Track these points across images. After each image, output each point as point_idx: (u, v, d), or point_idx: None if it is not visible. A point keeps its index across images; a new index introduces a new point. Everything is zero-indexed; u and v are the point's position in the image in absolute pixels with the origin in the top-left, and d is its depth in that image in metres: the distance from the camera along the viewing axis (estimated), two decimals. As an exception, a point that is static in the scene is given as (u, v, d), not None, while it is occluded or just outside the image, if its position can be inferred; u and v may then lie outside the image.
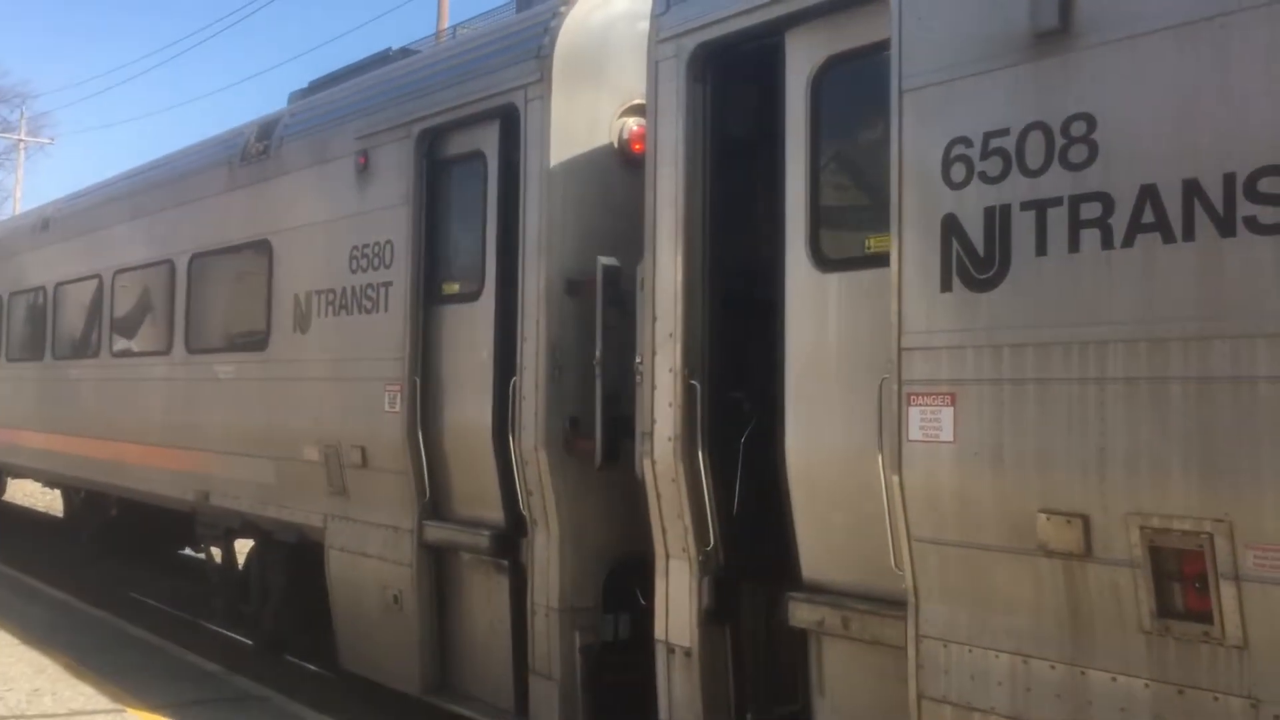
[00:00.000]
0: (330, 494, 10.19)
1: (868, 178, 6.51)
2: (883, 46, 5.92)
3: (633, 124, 8.33)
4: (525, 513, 8.20)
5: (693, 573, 6.92)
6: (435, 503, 9.20)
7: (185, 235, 12.81)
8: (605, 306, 7.72)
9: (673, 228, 6.98)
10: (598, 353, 7.71)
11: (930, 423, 5.56)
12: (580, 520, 8.01)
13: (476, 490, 8.61)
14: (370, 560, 9.73)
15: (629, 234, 8.09)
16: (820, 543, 6.42)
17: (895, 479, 5.72)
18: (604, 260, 7.76)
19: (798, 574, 6.57)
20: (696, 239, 6.95)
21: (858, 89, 6.41)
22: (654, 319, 7.09)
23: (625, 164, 8.29)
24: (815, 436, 6.37)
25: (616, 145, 8.29)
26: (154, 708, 9.68)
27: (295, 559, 11.04)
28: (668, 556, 7.09)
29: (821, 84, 6.45)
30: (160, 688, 10.33)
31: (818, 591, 6.43)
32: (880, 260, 5.94)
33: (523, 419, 8.12)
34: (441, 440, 9.03)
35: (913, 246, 5.69)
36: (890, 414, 5.76)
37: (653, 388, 7.08)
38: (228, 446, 11.70)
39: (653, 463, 7.06)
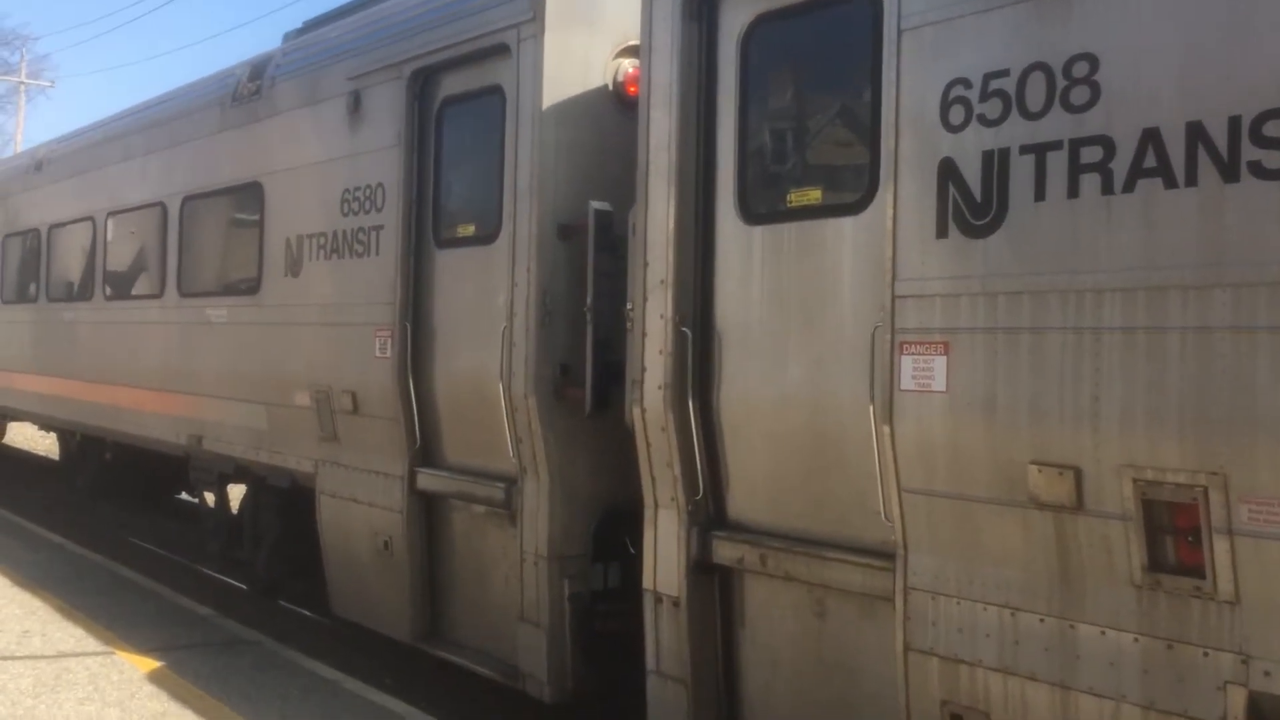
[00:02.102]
0: (321, 440, 10.11)
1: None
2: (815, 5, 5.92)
3: (628, 65, 8.15)
4: (515, 460, 8.11)
5: (681, 522, 6.84)
6: (426, 450, 9.11)
7: (177, 177, 12.65)
8: (597, 252, 7.59)
9: (665, 172, 6.83)
10: (589, 299, 7.59)
11: (923, 372, 5.45)
12: (569, 468, 7.93)
13: (481, 439, 8.50)
14: (360, 506, 9.66)
15: (623, 178, 7.94)
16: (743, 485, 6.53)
17: (886, 429, 5.62)
18: (596, 204, 7.62)
19: (724, 514, 6.68)
20: (689, 184, 6.80)
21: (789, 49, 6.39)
22: (645, 265, 6.96)
23: (620, 107, 8.13)
24: (741, 385, 6.51)
25: (611, 87, 8.12)
26: (144, 650, 9.67)
27: (287, 504, 10.98)
28: (656, 506, 7.00)
29: (750, 42, 6.43)
30: (151, 631, 10.32)
31: (740, 530, 6.58)
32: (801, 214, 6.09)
33: (513, 366, 8.01)
34: (436, 387, 8.92)
35: (907, 191, 5.55)
36: (882, 363, 5.65)
37: (643, 335, 6.96)
38: (220, 391, 11.62)
39: (642, 411, 6.96)
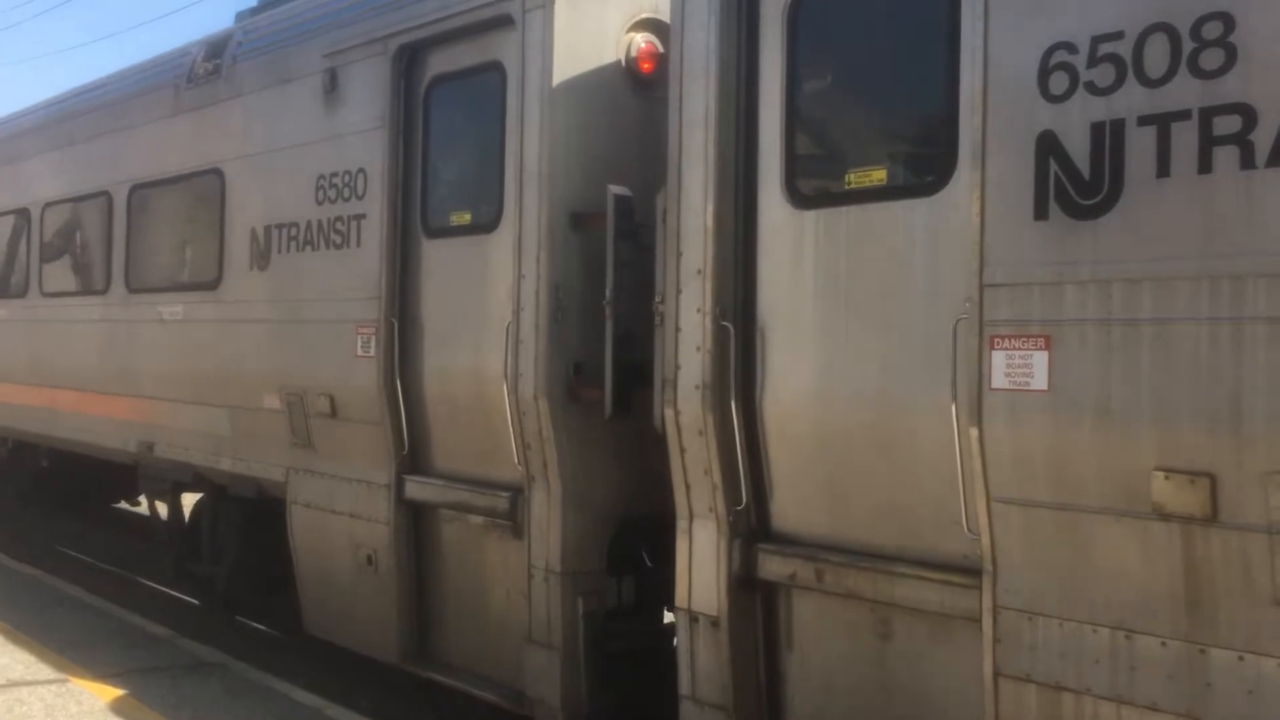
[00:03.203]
0: (293, 445, 9.37)
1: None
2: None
3: (641, 40, 7.55)
4: (521, 468, 7.46)
5: (721, 534, 6.25)
6: (415, 457, 8.43)
7: (124, 165, 11.77)
8: (616, 241, 6.97)
9: (702, 151, 6.24)
10: (608, 292, 6.97)
11: (1019, 369, 4.92)
12: (584, 476, 7.30)
13: (481, 446, 7.84)
14: (340, 518, 8.94)
15: (636, 162, 7.40)
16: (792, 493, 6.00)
17: (973, 432, 5.08)
18: (615, 189, 7.00)
19: (767, 525, 6.16)
20: (728, 165, 6.21)
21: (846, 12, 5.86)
22: (679, 254, 6.36)
23: (633, 84, 7.53)
24: (791, 384, 5.97)
25: (624, 63, 7.51)
26: (101, 676, 8.88)
27: (252, 515, 10.22)
28: (692, 516, 6.41)
29: (800, 6, 5.90)
30: (107, 654, 9.51)
31: (788, 543, 6.06)
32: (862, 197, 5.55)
33: (520, 365, 7.36)
34: (426, 389, 8.24)
35: (997, 169, 5.02)
36: (968, 359, 5.11)
37: (676, 330, 6.37)
38: (175, 394, 10.80)
39: (676, 413, 6.36)
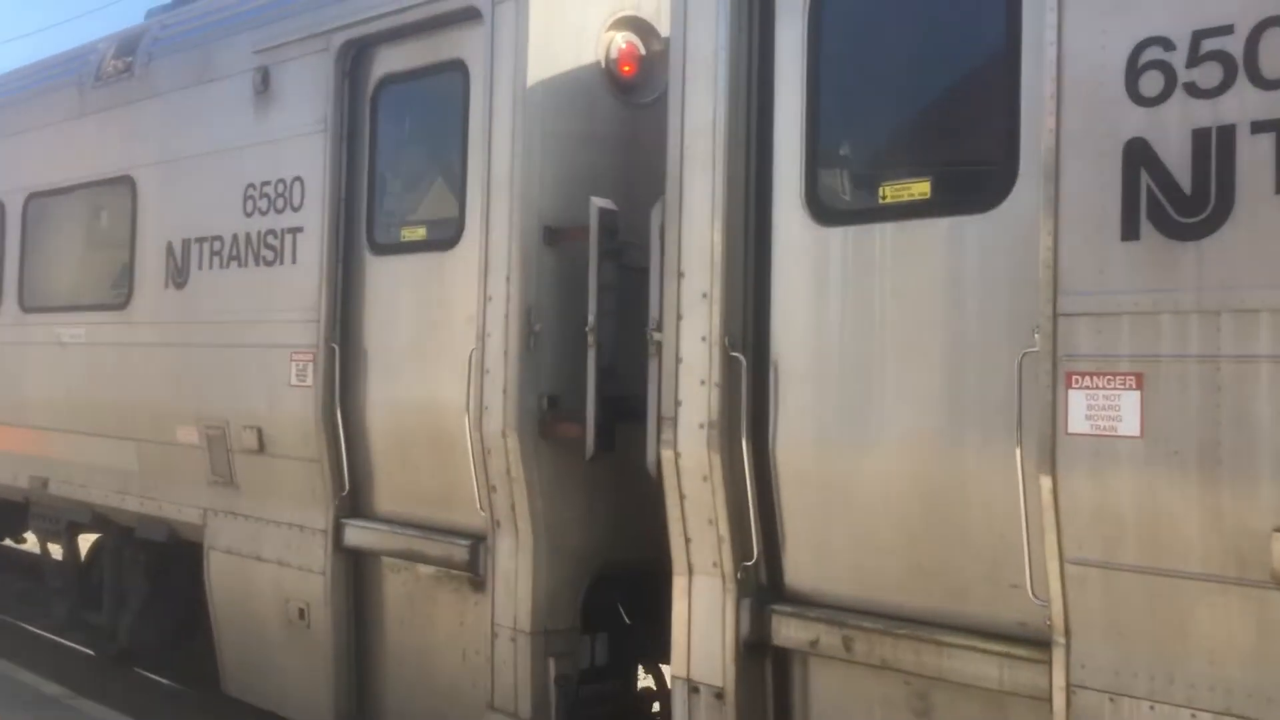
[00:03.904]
0: (213, 484, 8.41)
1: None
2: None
3: (621, 40, 6.83)
4: (485, 513, 6.64)
5: (727, 593, 5.51)
6: (356, 498, 7.54)
7: (19, 171, 10.67)
8: (601, 260, 6.22)
9: (709, 160, 5.53)
10: (590, 317, 6.20)
11: (1104, 411, 4.28)
12: (558, 522, 6.50)
13: (436, 487, 7.00)
14: (266, 566, 8.00)
15: (616, 173, 6.68)
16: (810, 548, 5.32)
17: (1045, 482, 4.42)
18: (599, 202, 6.25)
19: (779, 583, 5.47)
20: (738, 176, 5.51)
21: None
22: (680, 275, 5.64)
23: (613, 88, 6.80)
24: (811, 424, 5.29)
25: (604, 65, 6.77)
26: (-11, 749, 7.79)
27: (162, 561, 9.21)
28: (691, 572, 5.66)
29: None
30: (-7, 721, 8.41)
31: (805, 604, 5.36)
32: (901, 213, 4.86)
33: (486, 397, 6.55)
34: (371, 422, 7.37)
35: (1075, 181, 4.38)
36: (1038, 398, 4.45)
37: (677, 361, 5.63)
38: (74, 425, 9.72)
39: (676, 456, 5.62)
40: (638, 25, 6.86)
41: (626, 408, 6.23)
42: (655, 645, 6.54)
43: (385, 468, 7.39)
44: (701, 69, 5.58)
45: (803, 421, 5.34)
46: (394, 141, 7.56)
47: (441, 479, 6.99)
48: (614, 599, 6.77)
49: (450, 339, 6.88)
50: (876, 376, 5.08)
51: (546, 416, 6.45)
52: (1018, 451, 4.53)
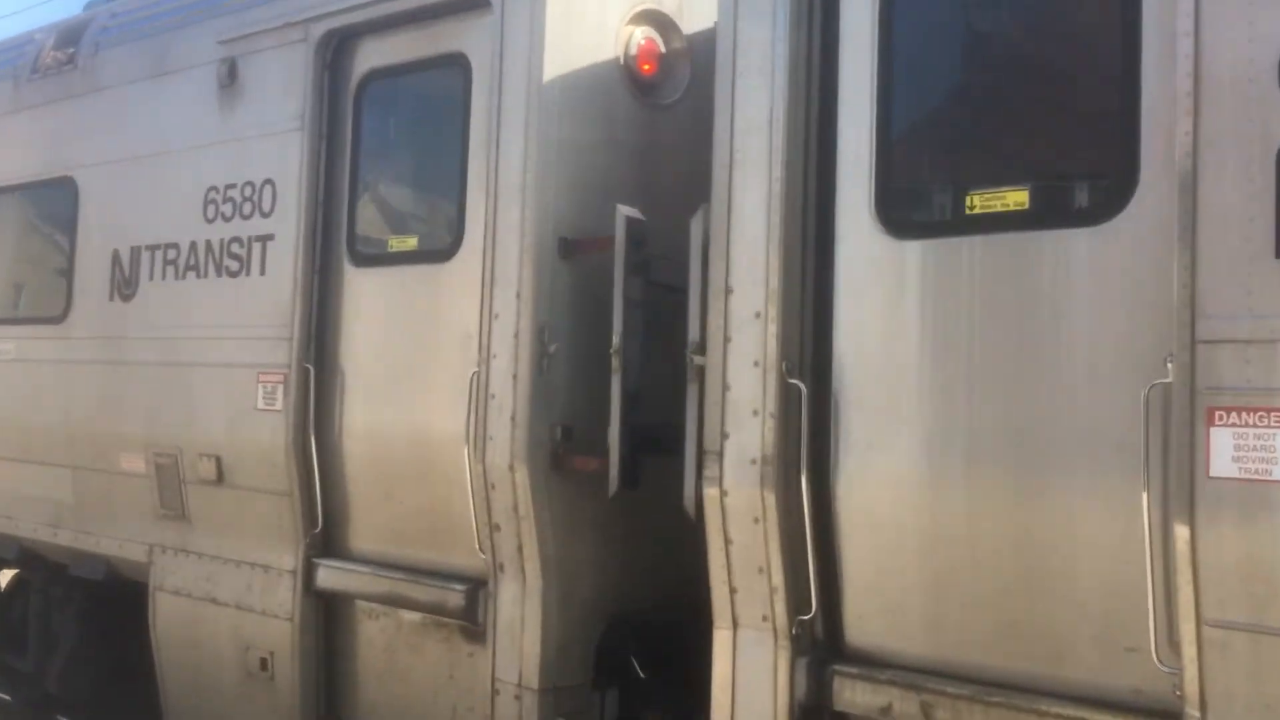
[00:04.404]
0: (162, 518, 7.60)
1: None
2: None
3: (640, 36, 6.24)
4: (487, 555, 5.95)
5: (779, 650, 4.89)
6: (330, 536, 6.80)
7: (-59, 171, 9.75)
8: (627, 274, 5.59)
9: (764, 163, 4.94)
10: (615, 338, 5.57)
11: (1257, 452, 3.75)
12: (570, 566, 5.85)
13: (425, 525, 6.29)
14: (224, 610, 7.20)
15: (634, 180, 6.11)
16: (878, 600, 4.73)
17: (1182, 532, 3.88)
18: (626, 211, 5.63)
19: (838, 640, 4.85)
20: (796, 181, 4.93)
21: None
22: (728, 292, 5.03)
23: (632, 87, 6.20)
24: (882, 462, 4.70)
25: (623, 62, 6.17)
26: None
27: (99, 601, 8.33)
28: (737, 626, 5.03)
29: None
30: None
31: (871, 664, 4.74)
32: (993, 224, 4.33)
33: (491, 426, 5.87)
34: (349, 452, 6.64)
35: (1216, 190, 3.87)
36: (1173, 437, 3.92)
37: (724, 389, 5.01)
38: (1, 450, 8.81)
39: (721, 494, 5.00)
40: (658, 20, 6.29)
41: (653, 440, 5.60)
42: (670, 701, 5.93)
43: (365, 502, 6.66)
44: (756, 60, 5.00)
45: (871, 456, 4.75)
46: (380, 142, 6.87)
47: (433, 516, 6.29)
48: (626, 650, 6.11)
49: (446, 360, 6.20)
50: (962, 407, 4.51)
51: (560, 448, 5.79)
52: (1144, 496, 3.98)
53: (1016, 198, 4.45)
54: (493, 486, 5.86)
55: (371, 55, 6.81)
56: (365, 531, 6.68)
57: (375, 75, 6.80)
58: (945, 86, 4.82)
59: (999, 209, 4.48)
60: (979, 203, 4.53)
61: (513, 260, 5.84)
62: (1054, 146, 4.52)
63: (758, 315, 4.93)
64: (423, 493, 6.32)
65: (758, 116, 4.98)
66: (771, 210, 4.91)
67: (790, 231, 4.92)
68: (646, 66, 6.21)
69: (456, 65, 6.35)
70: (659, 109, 6.28)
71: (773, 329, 4.88)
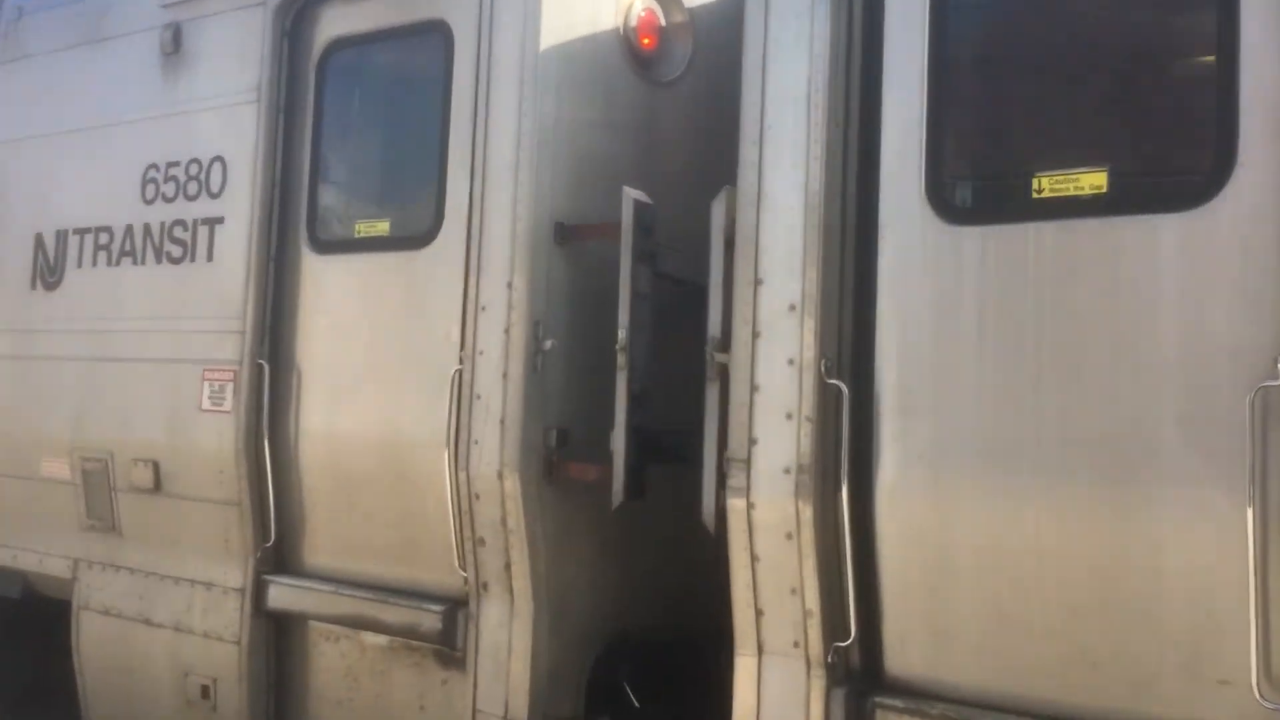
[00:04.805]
0: (88, 529, 6.88)
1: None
2: None
3: (641, 7, 5.74)
4: (469, 572, 5.38)
5: (813, 679, 4.40)
6: (282, 550, 6.17)
7: None
8: (635, 263, 5.08)
9: (801, 135, 4.47)
10: (622, 332, 5.04)
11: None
12: (563, 585, 5.30)
13: (395, 538, 5.70)
14: (160, 632, 6.52)
15: (633, 161, 5.62)
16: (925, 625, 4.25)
17: (1297, 558, 3.47)
18: (633, 194, 5.12)
19: (877, 668, 4.37)
20: (837, 155, 4.47)
21: None
22: (756, 282, 4.55)
23: (632, 62, 5.70)
24: (928, 464, 4.22)
25: (623, 33, 5.66)
26: None
27: (11, 622, 7.56)
28: (763, 653, 4.53)
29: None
30: None
31: (915, 696, 4.27)
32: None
33: (476, 429, 5.31)
34: (308, 456, 6.02)
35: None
36: (1286, 445, 3.52)
37: (753, 390, 4.52)
38: (-97, 453, 7.99)
39: (748, 506, 4.50)
40: (660, -9, 5.80)
41: (661, 445, 5.10)
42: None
43: (324, 513, 6.04)
44: (791, 23, 4.53)
45: (921, 466, 4.28)
46: (345, 117, 6.26)
47: (404, 529, 5.70)
48: (619, 676, 5.57)
49: (422, 356, 5.61)
50: (1027, 410, 4.07)
51: (555, 455, 5.25)
52: (1249, 511, 3.57)
53: (1093, 180, 4.02)
54: (477, 497, 5.29)
55: (337, 22, 6.21)
56: (324, 545, 6.06)
57: (341, 44, 6.20)
58: (1011, 54, 4.37)
59: (1072, 192, 4.05)
60: (1049, 185, 4.10)
61: (503, 247, 5.29)
62: (1137, 122, 4.09)
63: (792, 308, 4.44)
64: (392, 503, 5.72)
65: (794, 86, 4.50)
66: (809, 192, 4.44)
67: (830, 216, 4.44)
68: (646, 40, 5.72)
69: (436, 33, 5.78)
70: (659, 87, 5.79)
71: (810, 324, 4.40)
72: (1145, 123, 4.07)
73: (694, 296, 5.06)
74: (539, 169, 5.26)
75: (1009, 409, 4.10)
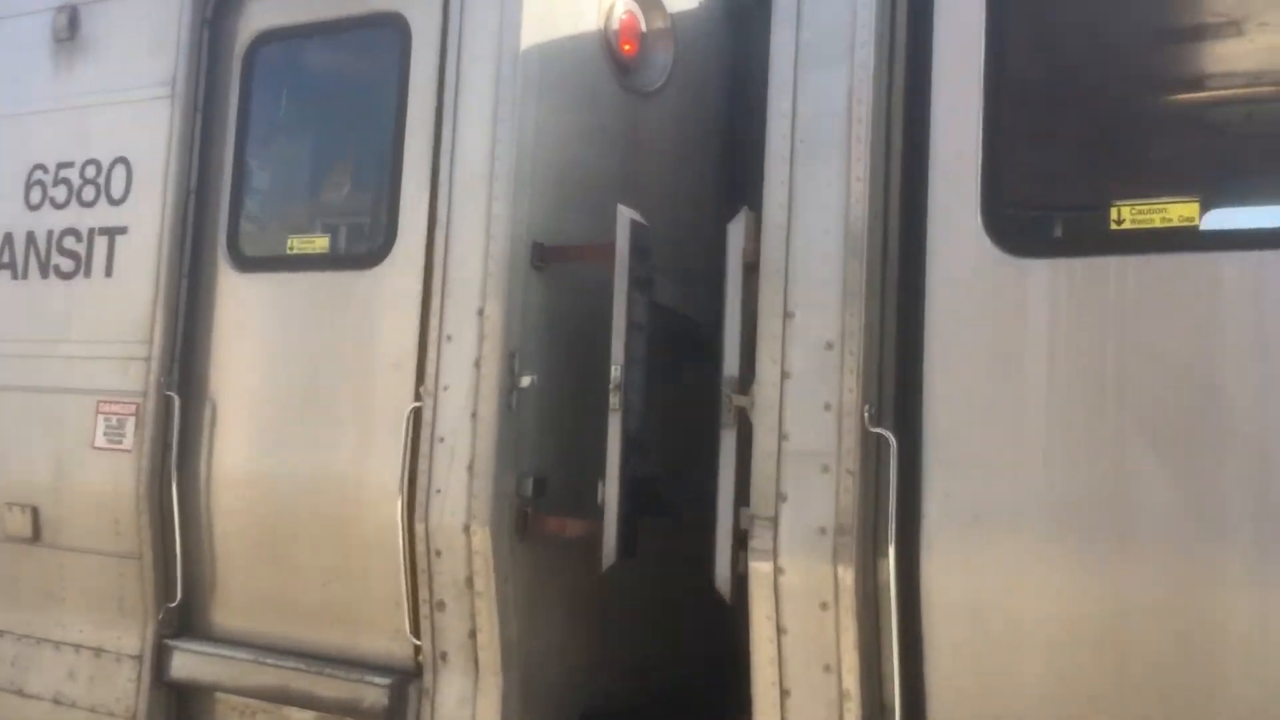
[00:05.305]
0: (-53, 584, 5.93)
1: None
2: None
3: (622, 9, 5.20)
4: (424, 641, 4.69)
5: (847, 770, 3.86)
6: (189, 610, 5.36)
7: None
8: (631, 291, 4.50)
9: (841, 150, 3.98)
10: (615, 369, 4.45)
11: None
12: (536, 653, 4.66)
13: (332, 598, 4.96)
14: (36, 706, 5.61)
15: (616, 177, 5.06)
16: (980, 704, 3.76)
17: None
18: (628, 213, 4.55)
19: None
20: (879, 176, 3.99)
21: None
22: (786, 316, 4.02)
23: (614, 68, 5.14)
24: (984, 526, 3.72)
25: (606, 36, 5.10)
26: None
27: None
28: (788, 736, 3.98)
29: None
30: None
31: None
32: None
33: (438, 476, 4.64)
34: (224, 502, 5.25)
35: None
36: None
37: (780, 438, 3.99)
38: None
39: (776, 571, 3.95)
40: (640, -9, 5.27)
41: (657, 496, 4.52)
42: None
43: (243, 568, 5.26)
44: (829, 27, 4.03)
45: (978, 528, 3.80)
46: (276, 118, 5.55)
47: (341, 587, 4.97)
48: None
49: (368, 391, 4.92)
50: (1107, 469, 3.63)
51: (528, 507, 4.61)
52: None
53: (1183, 211, 3.61)
54: (438, 553, 4.62)
55: (268, 11, 5.49)
56: (241, 605, 5.27)
57: (272, 36, 5.49)
58: (1085, 66, 3.96)
59: (1158, 224, 3.63)
60: (1129, 216, 3.68)
61: (474, 269, 4.65)
62: (1235, 143, 3.71)
63: (829, 346, 3.93)
64: (328, 557, 4.99)
65: (833, 96, 4.00)
66: (851, 216, 3.94)
67: (874, 242, 3.95)
68: (628, 46, 5.18)
69: (389, 28, 5.12)
70: (640, 98, 5.24)
71: (850, 364, 3.89)
72: (1246, 142, 3.70)
73: (684, 328, 4.53)
74: (517, 182, 4.64)
75: (1085, 465, 3.65)
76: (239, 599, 5.27)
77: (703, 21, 5.54)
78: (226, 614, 5.31)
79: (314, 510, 5.02)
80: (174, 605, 5.31)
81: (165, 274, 5.39)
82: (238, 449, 5.26)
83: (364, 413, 4.92)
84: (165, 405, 5.31)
